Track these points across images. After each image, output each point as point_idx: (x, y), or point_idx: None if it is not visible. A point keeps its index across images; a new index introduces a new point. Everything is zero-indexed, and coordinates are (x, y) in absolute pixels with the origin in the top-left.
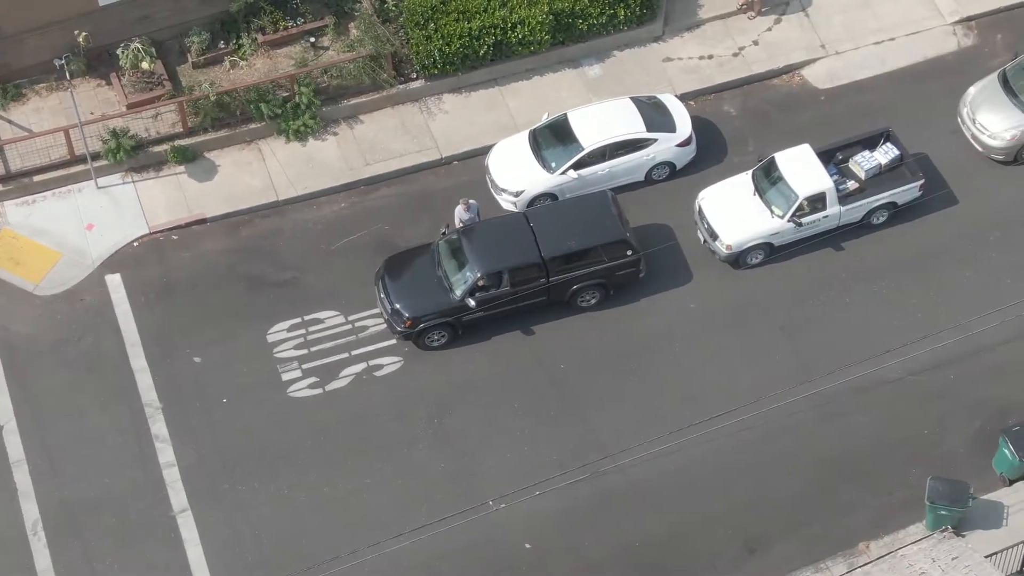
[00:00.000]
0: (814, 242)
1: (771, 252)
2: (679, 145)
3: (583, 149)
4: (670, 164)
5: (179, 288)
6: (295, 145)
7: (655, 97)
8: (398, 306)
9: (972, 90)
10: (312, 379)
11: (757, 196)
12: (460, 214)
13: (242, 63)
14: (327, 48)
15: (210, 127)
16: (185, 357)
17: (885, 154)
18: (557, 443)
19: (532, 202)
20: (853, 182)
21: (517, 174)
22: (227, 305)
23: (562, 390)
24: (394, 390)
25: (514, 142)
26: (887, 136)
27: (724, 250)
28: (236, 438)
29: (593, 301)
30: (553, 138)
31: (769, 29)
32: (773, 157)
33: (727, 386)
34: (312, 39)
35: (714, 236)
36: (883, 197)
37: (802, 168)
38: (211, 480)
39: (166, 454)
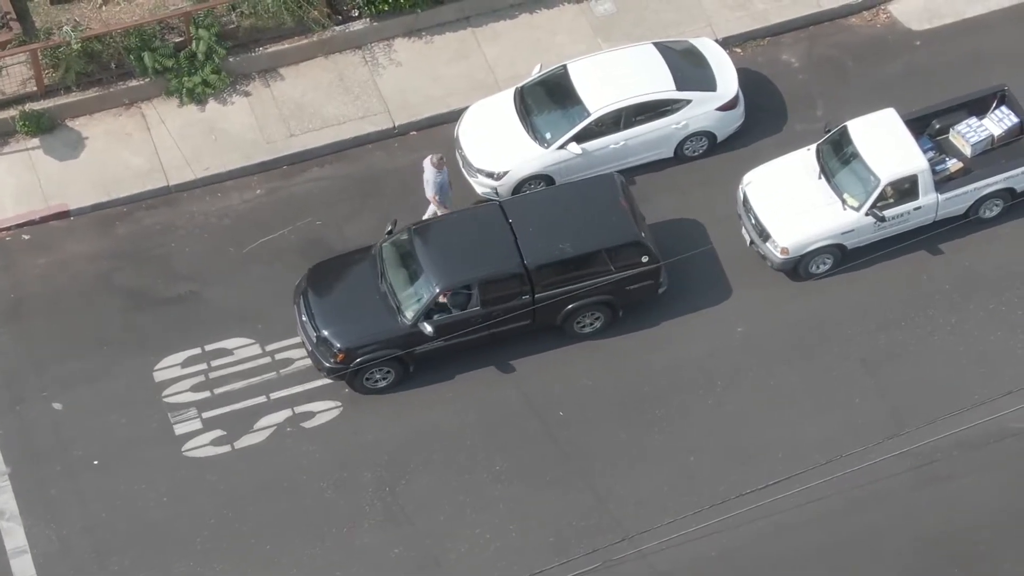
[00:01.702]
0: (903, 244)
1: (843, 257)
2: (721, 108)
3: (589, 115)
4: (709, 135)
5: (32, 307)
6: (192, 109)
7: (688, 42)
8: (326, 333)
9: None
10: (216, 432)
11: (823, 180)
12: (430, 174)
13: None
14: None
15: (74, 85)
16: (41, 402)
17: (999, 122)
18: (555, 520)
19: (519, 187)
20: (955, 161)
21: (498, 149)
22: (99, 330)
23: (562, 446)
24: (330, 447)
25: (494, 105)
26: (1002, 97)
27: (778, 255)
28: (112, 515)
29: (597, 326)
30: (548, 99)
31: None
32: (845, 126)
33: (789, 441)
34: None
35: (764, 236)
36: (996, 181)
37: (885, 142)
38: (78, 573)
39: (15, 537)
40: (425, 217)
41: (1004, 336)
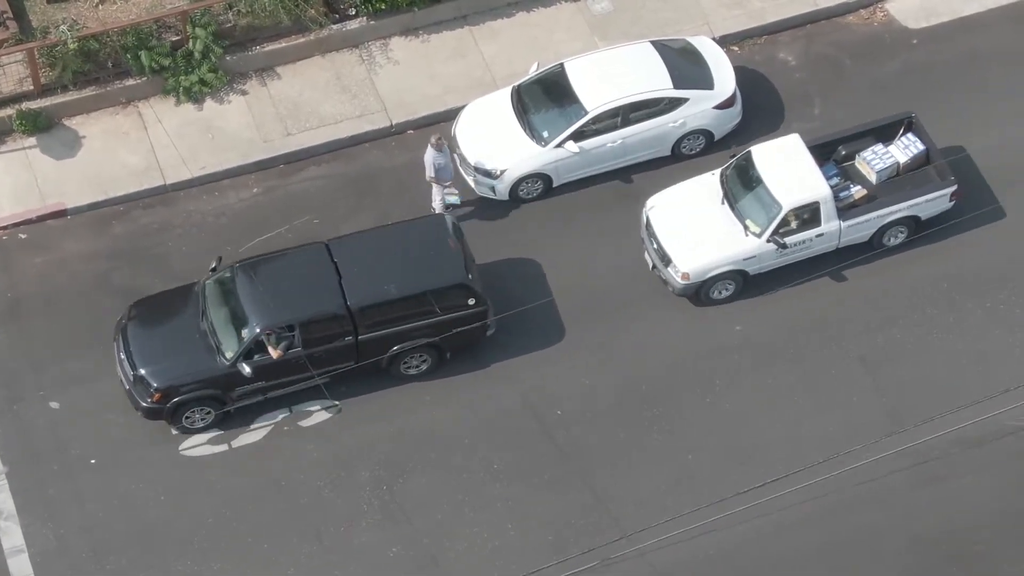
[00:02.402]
0: (900, 245)
1: (745, 282)
2: (718, 107)
3: (586, 113)
4: (706, 133)
5: (29, 306)
6: (188, 108)
7: (686, 41)
8: (143, 372)
9: None
10: (214, 432)
11: (726, 206)
12: (433, 158)
13: None
14: None
15: (71, 84)
16: (38, 402)
17: (904, 149)
18: (553, 518)
19: (517, 185)
20: (860, 188)
21: (495, 148)
22: (96, 330)
23: (560, 445)
24: (328, 446)
25: (491, 103)
26: (909, 124)
27: (679, 280)
28: (109, 514)
29: (423, 368)
30: (545, 98)
31: None
32: (750, 152)
33: (787, 439)
34: None
35: (666, 261)
36: (900, 209)
37: (789, 168)
38: (75, 573)
39: (12, 537)
40: (434, 204)
41: (1002, 335)
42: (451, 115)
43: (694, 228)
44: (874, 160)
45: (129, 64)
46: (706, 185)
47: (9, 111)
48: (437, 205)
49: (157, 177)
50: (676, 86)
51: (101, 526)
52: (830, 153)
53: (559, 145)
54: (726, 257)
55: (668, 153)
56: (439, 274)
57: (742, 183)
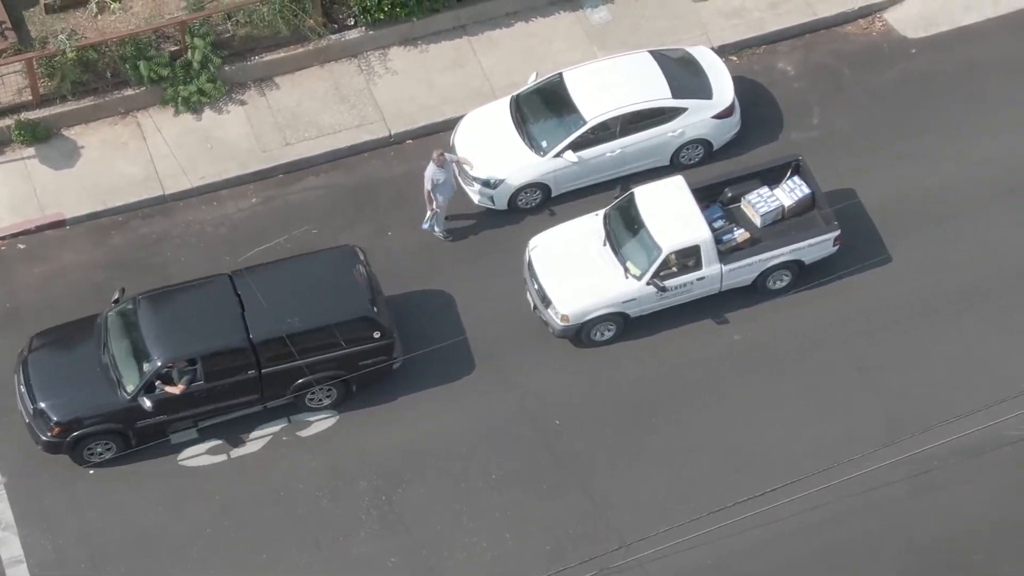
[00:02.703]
0: (913, 243)
1: (626, 324)
2: (717, 116)
3: (585, 122)
4: (705, 142)
5: (28, 316)
6: (187, 118)
7: (684, 50)
8: (43, 405)
9: None
10: (212, 442)
11: (608, 247)
12: (433, 174)
13: (114, 5)
14: None
15: (70, 94)
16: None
17: (790, 192)
18: (551, 527)
19: (516, 195)
20: (743, 231)
21: (494, 158)
22: None
23: (558, 453)
24: (326, 456)
25: (490, 113)
26: (796, 167)
27: (559, 322)
28: (107, 524)
29: (328, 401)
30: (544, 107)
31: None
32: (632, 192)
33: (786, 449)
34: None
35: (546, 302)
36: (782, 254)
37: (670, 211)
38: None
39: (10, 547)
40: (424, 224)
41: (1000, 343)
42: (450, 125)
43: (575, 270)
44: (759, 203)
45: (128, 74)
46: (589, 226)
47: (8, 121)
48: (425, 224)
49: (156, 187)
50: (675, 96)
51: (99, 536)
52: (716, 195)
53: (558, 155)
54: (606, 300)
55: (667, 163)
56: (344, 307)
57: (624, 225)
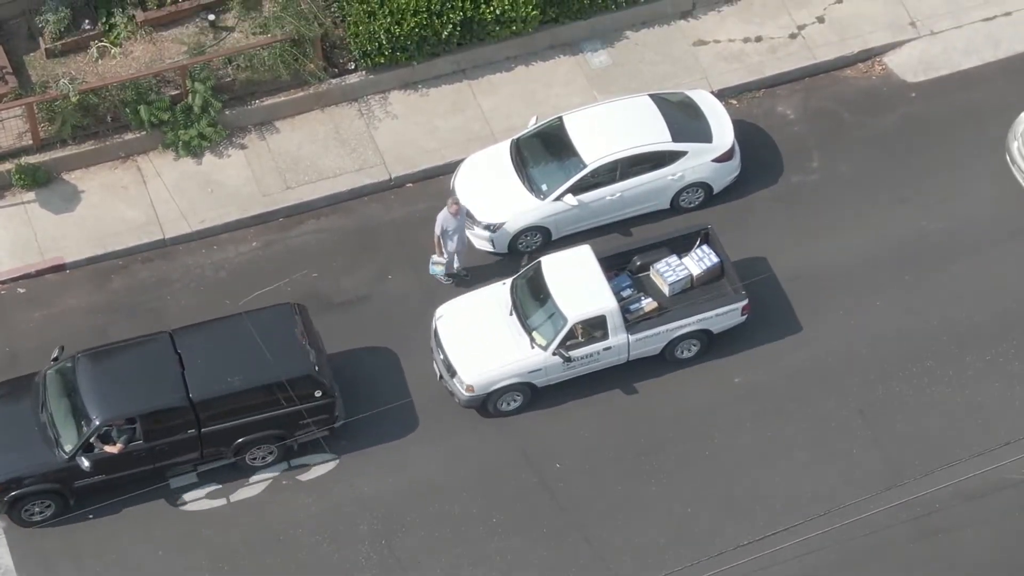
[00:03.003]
0: (911, 286)
1: (533, 395)
2: (717, 160)
3: (585, 166)
4: (705, 186)
5: (28, 361)
6: (188, 163)
7: (684, 94)
8: None
9: None
10: (212, 486)
11: (515, 317)
12: (445, 222)
13: (115, 50)
14: (232, 29)
15: (70, 138)
16: None
17: (699, 261)
18: (552, 573)
19: (516, 239)
20: (651, 300)
21: (494, 201)
22: None
23: (559, 498)
24: (326, 500)
25: (490, 157)
26: (706, 236)
27: (464, 392)
28: (106, 569)
29: (270, 460)
30: (544, 151)
31: (839, 1)
32: (539, 262)
33: (786, 493)
34: (211, 16)
35: (452, 372)
36: (689, 323)
37: (577, 280)
38: None
39: None
40: (431, 268)
41: (1002, 387)
42: (450, 168)
43: (481, 339)
44: (667, 272)
45: (128, 118)
46: (496, 295)
47: (8, 165)
48: (432, 269)
49: (156, 231)
50: (675, 139)
51: None
52: (625, 264)
53: (558, 198)
54: (511, 370)
55: (667, 206)
56: (285, 365)
57: (531, 294)
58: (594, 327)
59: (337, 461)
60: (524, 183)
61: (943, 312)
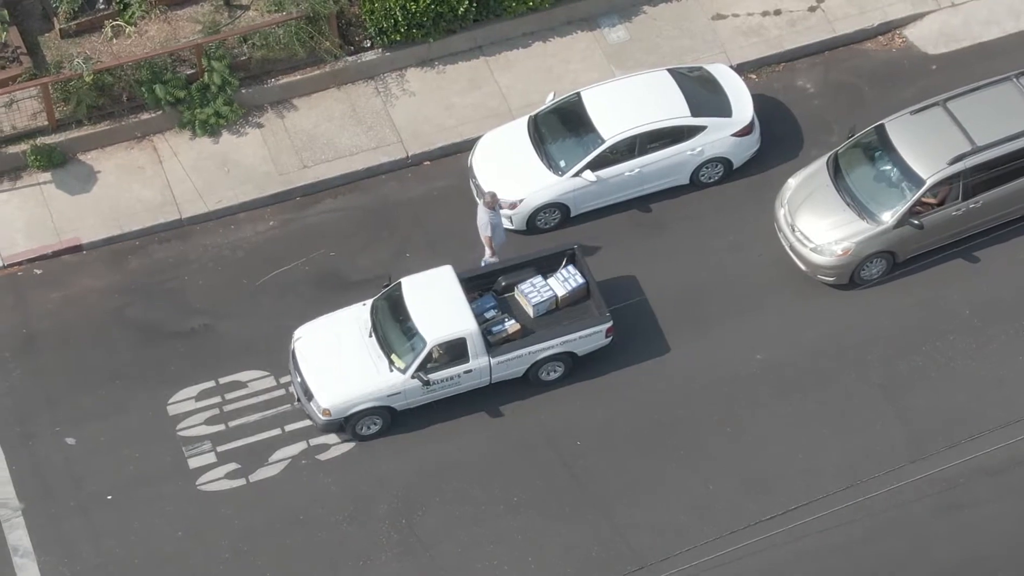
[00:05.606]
0: (932, 259)
1: (393, 418)
2: (736, 135)
3: (603, 142)
4: (724, 161)
5: (45, 342)
6: (204, 142)
7: (702, 69)
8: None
9: (792, 181)
10: (231, 466)
11: (374, 339)
12: (490, 218)
13: (129, 29)
14: (247, 7)
15: (86, 118)
16: (54, 437)
17: (564, 282)
18: (573, 550)
19: (534, 216)
20: (514, 322)
21: (512, 178)
22: (112, 365)
23: (579, 476)
24: (345, 480)
25: (507, 133)
26: (571, 256)
27: (321, 416)
28: (126, 551)
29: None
30: (562, 127)
31: None
32: (400, 283)
33: (808, 468)
34: None
35: (309, 395)
36: (552, 346)
37: (437, 302)
38: None
39: (28, 574)
40: (483, 263)
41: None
42: (467, 146)
43: (339, 362)
44: (532, 293)
45: (144, 98)
46: (356, 316)
47: (24, 146)
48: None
49: (173, 211)
50: (694, 114)
51: (117, 562)
52: (490, 284)
53: (576, 175)
54: (369, 393)
55: (686, 182)
56: None
57: (391, 315)
58: (454, 350)
59: (356, 442)
60: (542, 159)
61: (965, 285)
